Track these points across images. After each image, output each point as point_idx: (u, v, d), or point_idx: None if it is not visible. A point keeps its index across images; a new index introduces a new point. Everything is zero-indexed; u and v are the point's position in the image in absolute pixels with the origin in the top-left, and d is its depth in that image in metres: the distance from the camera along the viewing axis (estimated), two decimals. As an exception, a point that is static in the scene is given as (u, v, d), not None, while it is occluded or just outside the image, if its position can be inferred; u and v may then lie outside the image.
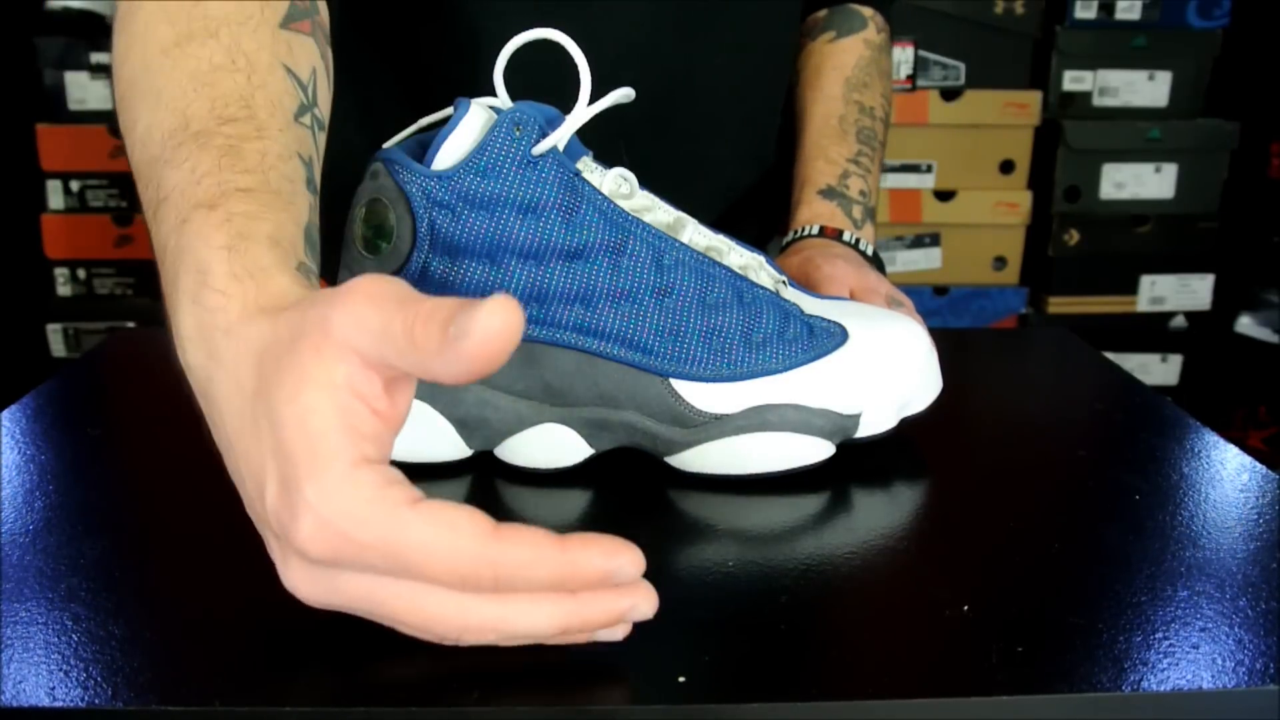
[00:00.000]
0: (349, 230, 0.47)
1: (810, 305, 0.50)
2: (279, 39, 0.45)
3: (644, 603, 0.32)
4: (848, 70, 0.77)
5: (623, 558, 0.31)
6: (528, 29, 0.47)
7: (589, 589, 0.31)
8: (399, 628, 0.33)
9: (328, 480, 0.30)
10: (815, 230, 0.69)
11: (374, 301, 0.31)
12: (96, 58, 1.81)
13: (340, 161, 0.78)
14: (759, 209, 0.82)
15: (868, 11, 0.80)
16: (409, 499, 0.30)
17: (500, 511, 0.45)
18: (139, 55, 0.44)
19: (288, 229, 0.39)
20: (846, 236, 0.69)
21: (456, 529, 0.30)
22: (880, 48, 0.80)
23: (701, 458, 0.47)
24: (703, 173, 0.74)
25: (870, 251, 0.69)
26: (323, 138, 0.47)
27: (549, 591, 0.31)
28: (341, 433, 0.30)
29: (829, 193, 0.71)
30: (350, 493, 0.30)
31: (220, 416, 0.34)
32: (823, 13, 0.81)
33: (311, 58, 0.47)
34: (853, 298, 0.60)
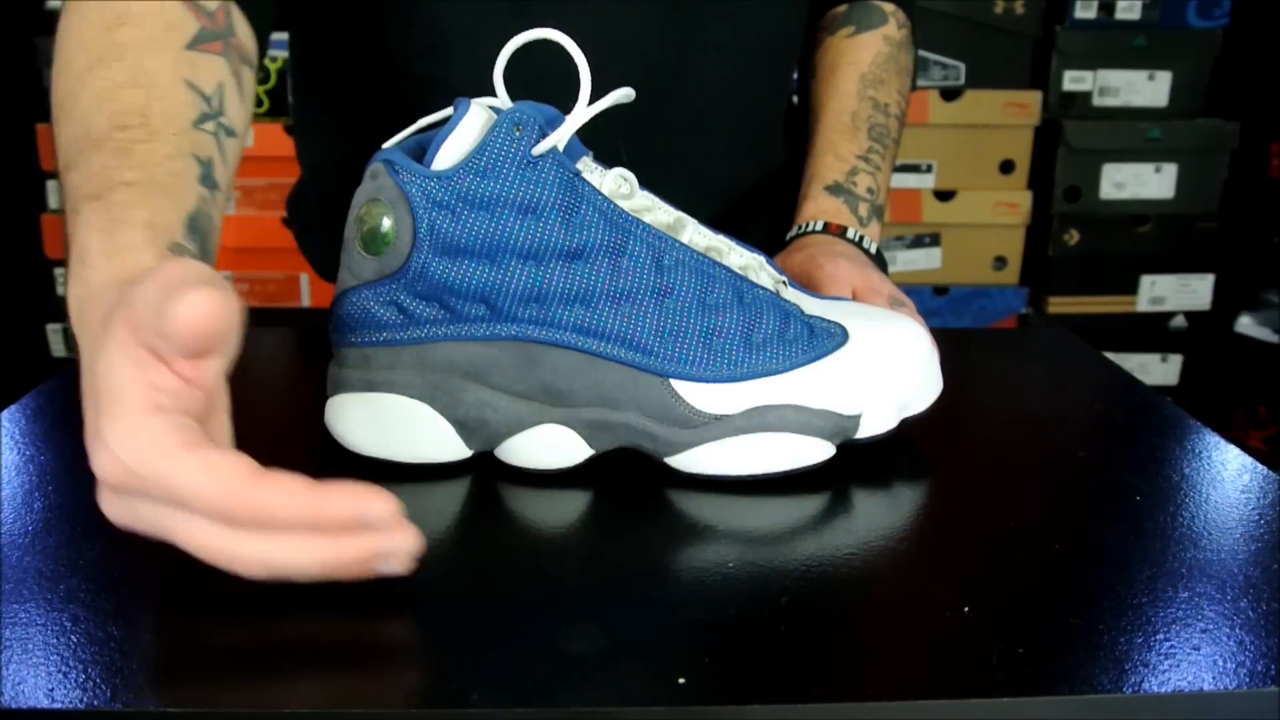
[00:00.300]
0: (348, 231, 0.47)
1: (810, 306, 0.50)
2: (182, 58, 0.50)
3: (402, 542, 0.35)
4: (864, 66, 0.76)
5: (372, 501, 0.34)
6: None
7: (343, 530, 0.34)
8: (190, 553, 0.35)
9: (119, 422, 0.35)
10: (819, 227, 0.68)
11: (157, 280, 0.36)
12: (96, 58, 1.81)
13: (323, 170, 0.79)
14: (768, 210, 0.81)
15: (889, 7, 0.79)
16: (185, 442, 0.34)
17: (499, 513, 0.45)
18: (63, 82, 0.49)
19: (166, 216, 0.44)
20: (850, 234, 0.68)
21: (218, 470, 0.34)
22: (900, 44, 0.79)
23: (701, 458, 0.47)
24: (694, 172, 0.74)
25: (874, 250, 0.68)
26: (234, 144, 0.51)
27: (305, 531, 0.34)
28: (136, 384, 0.35)
29: (835, 189, 0.71)
30: (135, 434, 0.34)
31: (82, 372, 0.38)
32: (842, 8, 0.80)
33: (219, 74, 0.52)
34: (855, 298, 0.59)
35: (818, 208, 0.70)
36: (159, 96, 0.48)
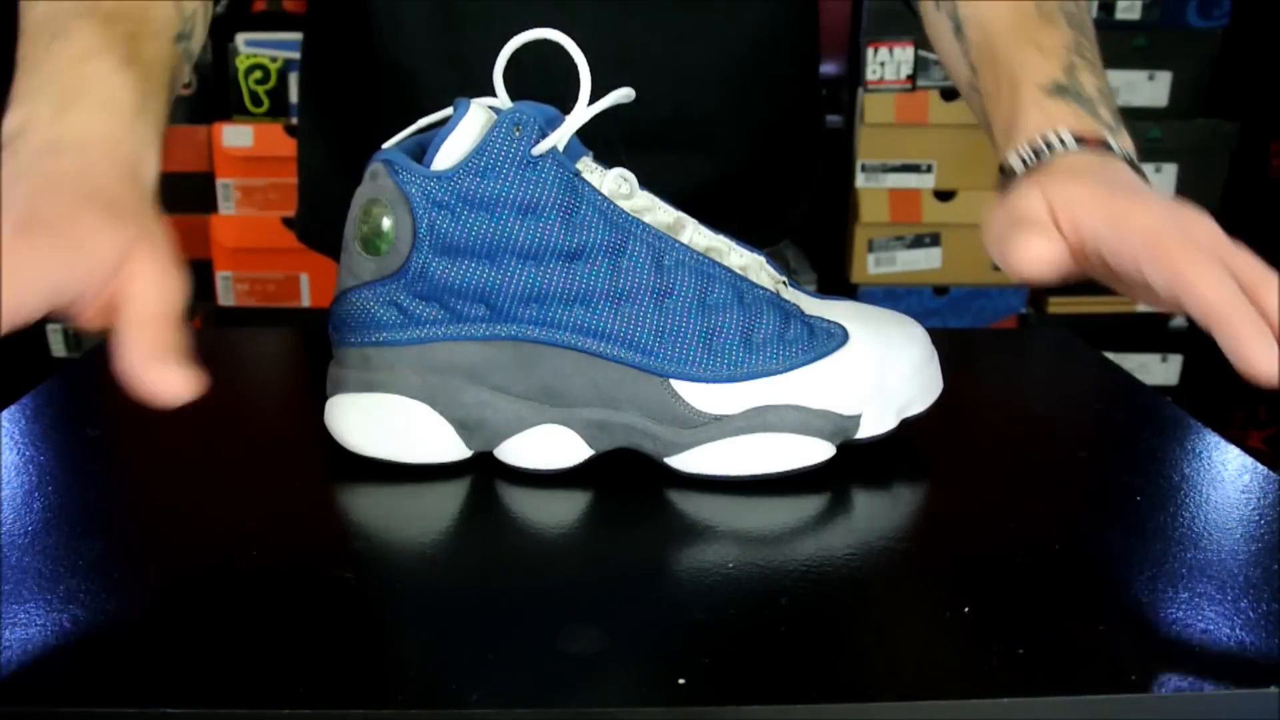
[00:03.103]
0: (348, 231, 0.47)
1: (810, 306, 0.50)
2: None
3: None
4: None
5: None
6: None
7: None
8: None
9: None
10: (1069, 140, 0.46)
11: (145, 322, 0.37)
12: (96, 58, 1.81)
13: (314, 180, 0.80)
14: (760, 209, 0.81)
15: None
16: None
17: (500, 512, 0.45)
18: None
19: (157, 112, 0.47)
20: (1116, 149, 0.46)
21: None
22: None
23: (701, 459, 0.47)
24: (680, 167, 0.73)
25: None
26: (187, 71, 0.54)
27: None
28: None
29: (1058, 90, 0.49)
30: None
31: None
32: None
33: (195, 3, 0.54)
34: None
35: (1043, 116, 0.48)
36: (153, 3, 0.50)
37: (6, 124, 0.42)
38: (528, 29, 0.46)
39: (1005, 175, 0.48)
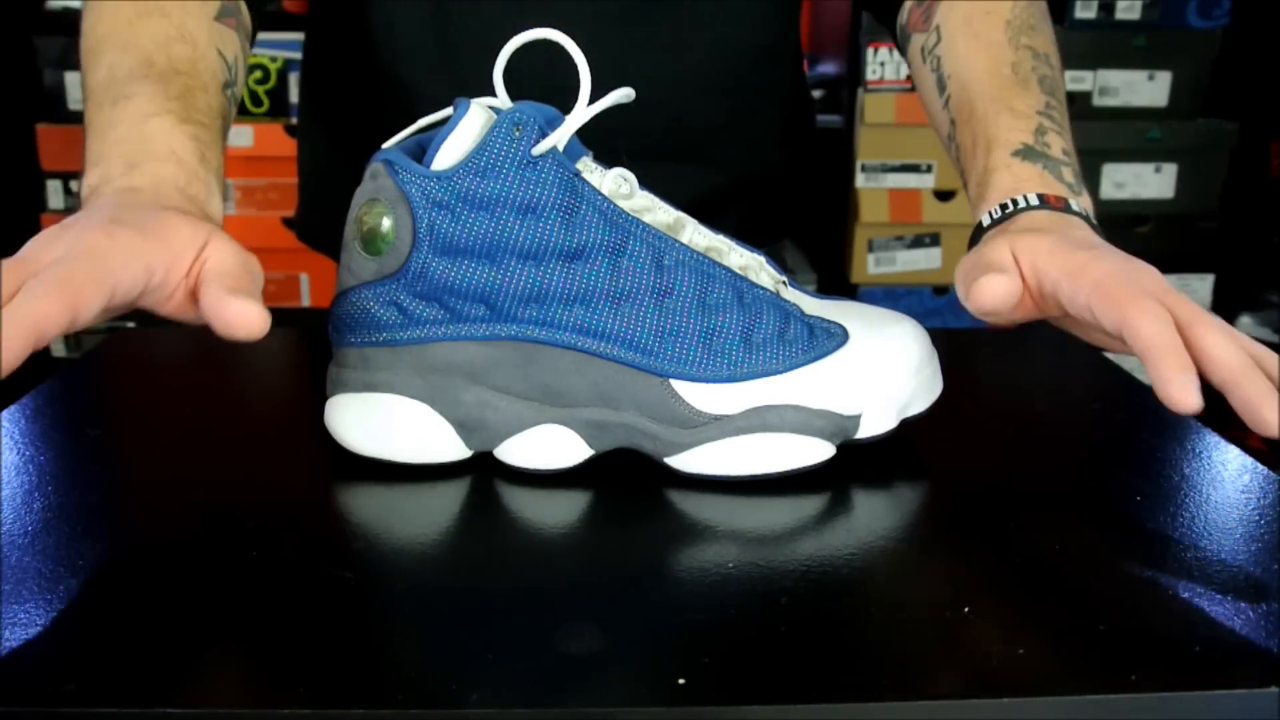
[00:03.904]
0: (348, 231, 0.47)
1: (810, 306, 0.50)
2: (213, 28, 0.57)
3: None
4: (1006, 13, 0.61)
5: None
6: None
7: None
8: None
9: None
10: (1034, 200, 0.51)
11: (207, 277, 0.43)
12: (96, 58, 1.81)
13: (314, 179, 0.81)
14: (759, 212, 0.81)
15: None
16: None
17: (499, 513, 0.45)
18: (108, 23, 0.55)
19: (213, 154, 0.52)
20: (1076, 207, 0.52)
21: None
22: None
23: (701, 459, 0.47)
24: (679, 177, 0.73)
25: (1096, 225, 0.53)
26: (234, 111, 0.59)
27: None
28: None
29: (1028, 153, 0.54)
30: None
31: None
32: None
33: (235, 47, 0.59)
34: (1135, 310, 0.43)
35: (1013, 177, 0.53)
36: (201, 56, 0.55)
37: (84, 184, 0.48)
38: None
39: (976, 232, 0.53)
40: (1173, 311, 0.43)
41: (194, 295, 0.43)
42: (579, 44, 0.45)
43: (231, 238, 0.45)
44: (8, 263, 0.39)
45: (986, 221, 0.52)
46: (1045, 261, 0.46)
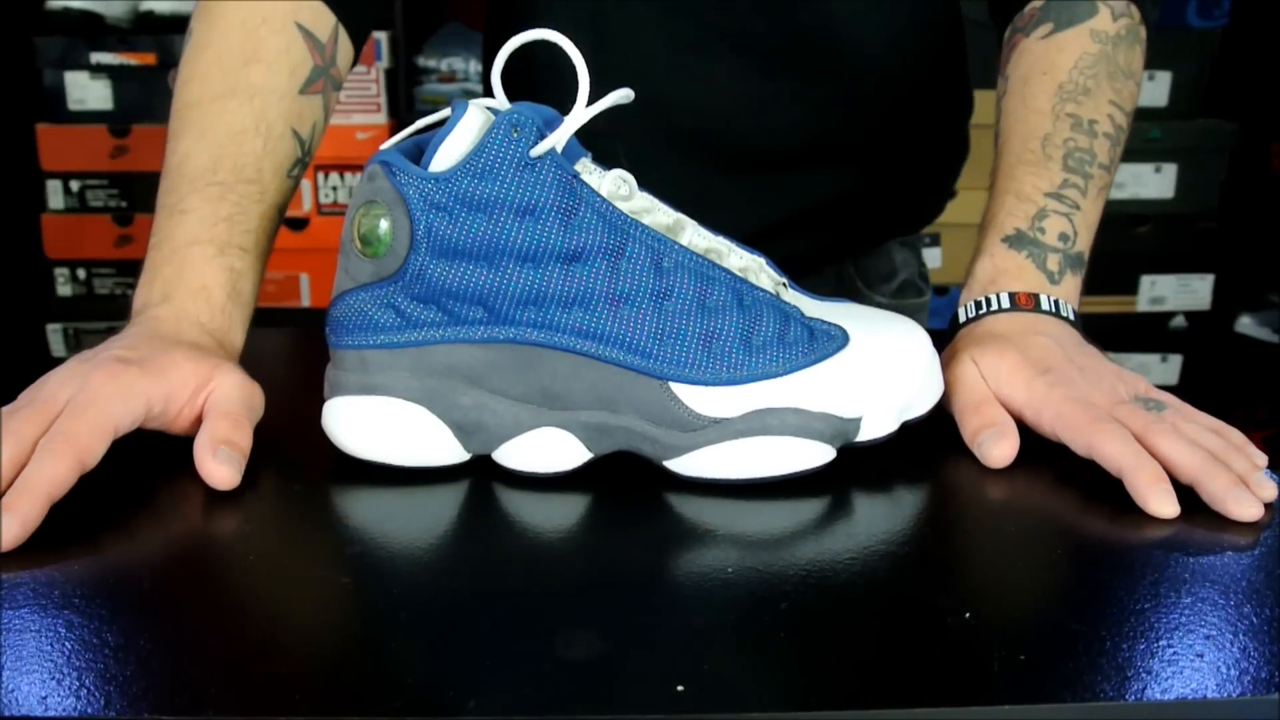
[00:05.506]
0: (346, 232, 0.47)
1: (810, 308, 0.50)
2: (294, 106, 0.59)
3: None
4: (1061, 75, 0.62)
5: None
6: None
7: None
8: None
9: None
10: (1004, 303, 0.55)
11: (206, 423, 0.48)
12: (96, 58, 1.81)
13: None
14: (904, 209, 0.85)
15: None
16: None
17: (498, 517, 0.45)
18: (196, 90, 0.58)
19: (246, 282, 0.55)
20: (1044, 303, 0.55)
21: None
22: (1117, 39, 0.63)
23: (701, 462, 0.46)
24: (817, 183, 0.75)
25: (1071, 315, 0.55)
26: (302, 171, 0.61)
27: None
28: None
29: (1018, 240, 0.57)
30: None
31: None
32: (1039, 1, 0.66)
33: (316, 114, 0.61)
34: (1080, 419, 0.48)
35: (995, 267, 0.57)
36: (271, 150, 0.57)
37: (137, 298, 0.53)
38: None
39: (953, 324, 0.58)
40: (1126, 425, 0.48)
41: (199, 420, 0.48)
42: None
43: (239, 369, 0.50)
44: (26, 413, 0.44)
45: (962, 318, 0.57)
46: (1008, 390, 0.51)
